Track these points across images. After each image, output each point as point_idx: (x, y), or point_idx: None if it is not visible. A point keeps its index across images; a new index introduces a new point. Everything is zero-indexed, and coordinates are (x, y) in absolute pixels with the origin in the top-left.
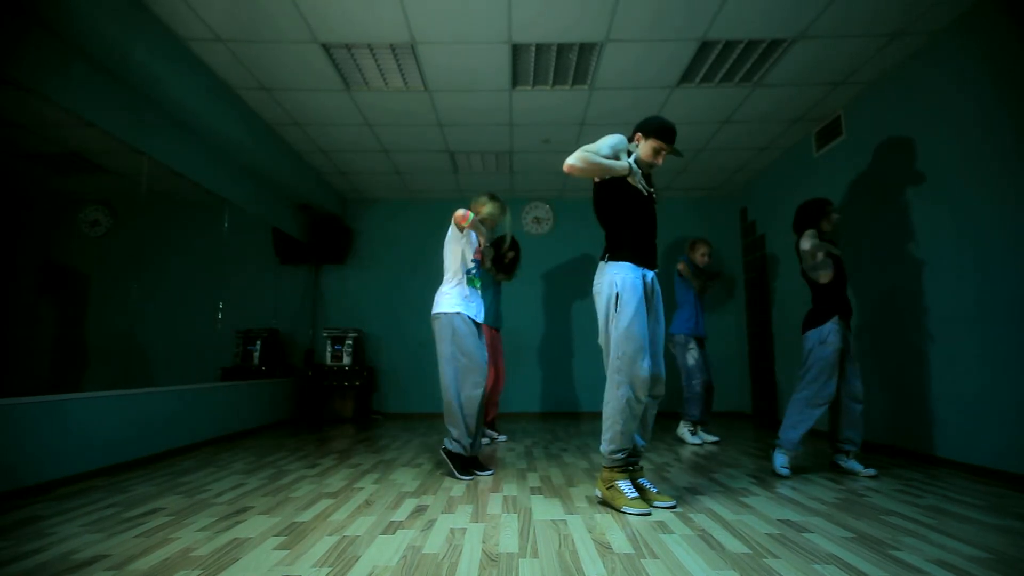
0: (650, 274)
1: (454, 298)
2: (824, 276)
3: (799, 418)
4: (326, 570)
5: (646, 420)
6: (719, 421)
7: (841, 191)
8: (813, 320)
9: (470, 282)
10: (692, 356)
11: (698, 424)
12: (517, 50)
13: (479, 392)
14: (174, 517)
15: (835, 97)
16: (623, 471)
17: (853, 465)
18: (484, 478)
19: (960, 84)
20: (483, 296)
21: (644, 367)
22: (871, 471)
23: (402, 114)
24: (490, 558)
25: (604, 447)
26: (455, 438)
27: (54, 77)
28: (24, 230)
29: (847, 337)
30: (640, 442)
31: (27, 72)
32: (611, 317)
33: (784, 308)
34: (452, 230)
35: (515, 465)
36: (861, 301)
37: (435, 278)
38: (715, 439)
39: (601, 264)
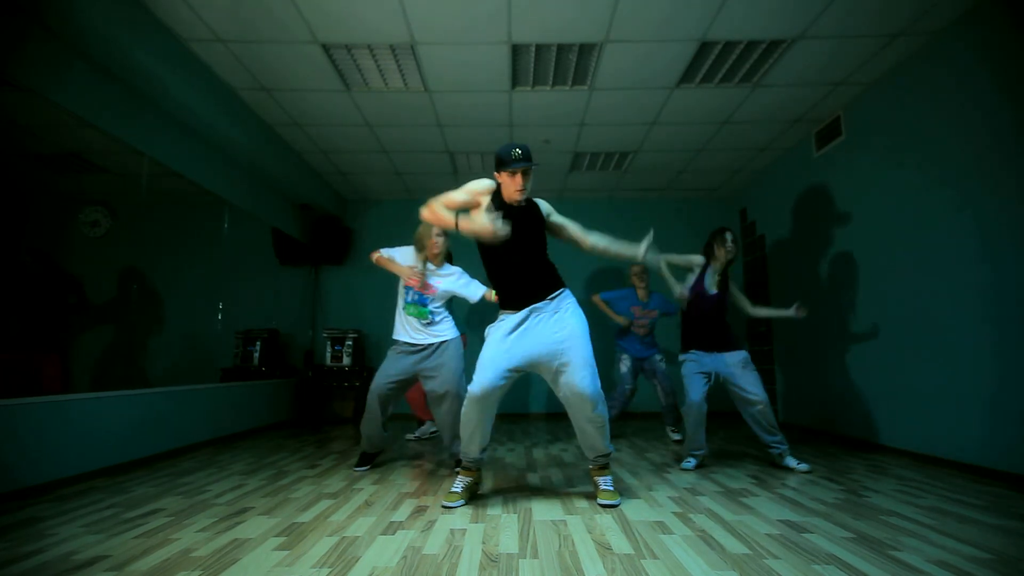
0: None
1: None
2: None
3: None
4: (326, 571)
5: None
6: (719, 420)
7: (841, 192)
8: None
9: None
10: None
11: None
12: (517, 50)
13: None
14: (174, 518)
15: (835, 97)
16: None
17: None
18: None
19: (960, 84)
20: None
21: None
22: (804, 466)
23: (402, 114)
24: (490, 558)
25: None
26: None
27: (54, 77)
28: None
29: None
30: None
31: (27, 72)
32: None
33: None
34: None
35: (515, 466)
36: (862, 301)
37: None
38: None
39: (569, 294)
